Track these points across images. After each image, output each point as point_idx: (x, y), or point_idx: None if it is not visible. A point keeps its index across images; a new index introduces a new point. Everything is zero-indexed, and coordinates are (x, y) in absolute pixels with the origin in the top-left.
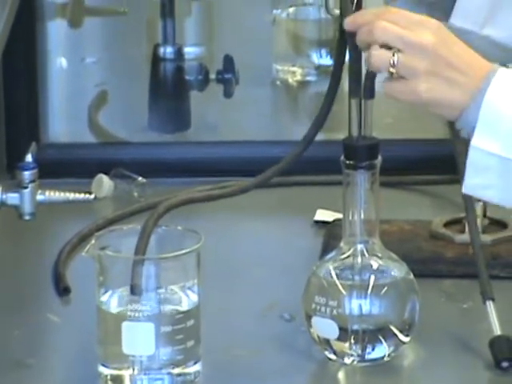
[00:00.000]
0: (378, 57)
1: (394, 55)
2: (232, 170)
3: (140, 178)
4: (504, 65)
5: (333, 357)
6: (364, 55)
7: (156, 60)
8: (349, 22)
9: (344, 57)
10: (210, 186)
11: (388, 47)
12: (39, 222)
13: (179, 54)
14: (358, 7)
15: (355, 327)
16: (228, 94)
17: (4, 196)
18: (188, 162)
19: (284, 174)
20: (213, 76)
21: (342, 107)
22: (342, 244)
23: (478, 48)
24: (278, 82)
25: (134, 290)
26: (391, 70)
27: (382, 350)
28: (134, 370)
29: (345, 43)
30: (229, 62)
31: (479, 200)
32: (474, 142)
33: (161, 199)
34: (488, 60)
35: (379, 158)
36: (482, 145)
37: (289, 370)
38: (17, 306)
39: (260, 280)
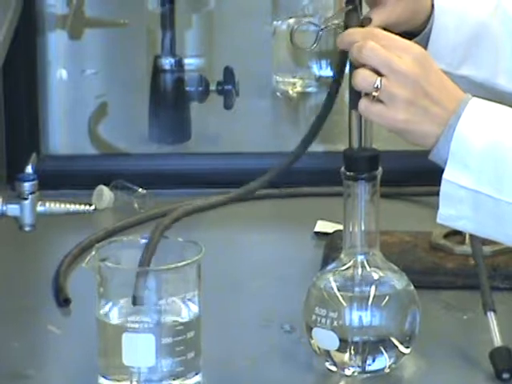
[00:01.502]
0: (362, 77)
1: (377, 79)
2: (232, 182)
3: (140, 190)
4: None
5: (333, 368)
6: None
7: (156, 71)
8: (339, 41)
9: (343, 72)
10: (213, 197)
11: (374, 69)
12: (39, 234)
13: (179, 65)
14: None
15: (356, 339)
16: (228, 105)
17: (4, 207)
18: (188, 174)
19: (272, 185)
20: (213, 87)
21: (343, 118)
22: (342, 255)
23: None
24: (279, 94)
25: (137, 301)
26: (374, 93)
27: (382, 362)
28: (134, 381)
29: (345, 57)
30: (229, 73)
31: None
32: (445, 175)
33: (161, 210)
34: None
35: (379, 169)
36: (454, 178)
37: (289, 381)
38: (17, 317)
39: (260, 291)
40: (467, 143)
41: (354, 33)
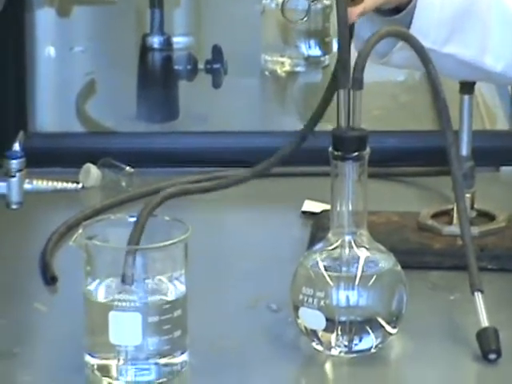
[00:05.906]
0: None
1: None
2: (220, 161)
3: (128, 168)
4: (473, 83)
5: (320, 348)
6: (353, 45)
7: (144, 50)
8: None
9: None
10: (200, 175)
11: None
12: (26, 211)
13: (168, 43)
14: None
15: (342, 318)
16: (216, 84)
17: None
18: (176, 152)
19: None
20: (201, 66)
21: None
22: (329, 235)
23: (444, 66)
24: (267, 73)
25: (126, 280)
26: None
27: (369, 342)
28: (120, 359)
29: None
30: (217, 51)
31: (467, 192)
32: None
33: (149, 189)
34: (456, 79)
35: (367, 149)
36: None
37: (276, 360)
38: (3, 295)
39: (247, 270)
40: None
41: None
